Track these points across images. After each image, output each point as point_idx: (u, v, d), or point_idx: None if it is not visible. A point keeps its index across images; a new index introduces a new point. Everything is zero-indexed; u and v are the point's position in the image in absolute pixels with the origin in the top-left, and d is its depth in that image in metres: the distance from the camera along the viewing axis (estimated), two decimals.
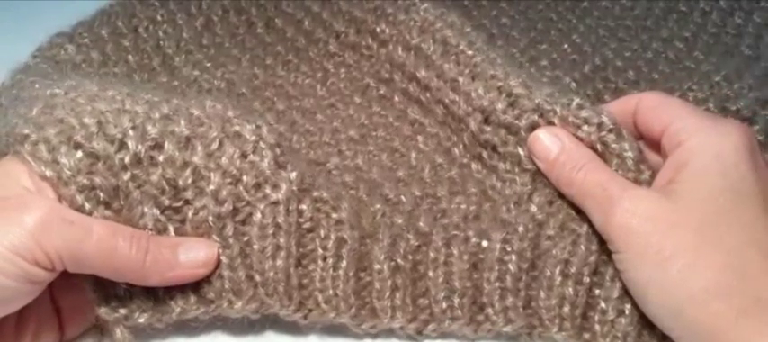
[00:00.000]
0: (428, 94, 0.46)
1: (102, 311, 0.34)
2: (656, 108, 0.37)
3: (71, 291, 0.35)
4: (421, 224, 0.39)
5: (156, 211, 0.34)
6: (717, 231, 0.32)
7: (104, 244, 0.32)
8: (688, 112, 0.36)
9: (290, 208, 0.36)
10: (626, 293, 0.35)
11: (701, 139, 0.34)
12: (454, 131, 0.45)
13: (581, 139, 0.37)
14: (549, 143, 0.38)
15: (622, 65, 0.52)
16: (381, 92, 0.49)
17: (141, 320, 0.34)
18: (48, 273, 0.31)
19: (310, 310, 0.36)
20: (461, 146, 0.44)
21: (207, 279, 0.35)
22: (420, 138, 0.46)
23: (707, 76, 0.49)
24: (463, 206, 0.40)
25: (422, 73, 0.46)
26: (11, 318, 0.34)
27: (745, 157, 0.34)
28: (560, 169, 0.37)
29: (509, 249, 0.37)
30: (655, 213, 0.33)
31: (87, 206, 0.33)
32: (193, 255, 0.34)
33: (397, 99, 0.48)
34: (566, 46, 0.55)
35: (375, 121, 0.47)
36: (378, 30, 0.51)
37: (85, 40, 0.50)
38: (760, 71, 0.49)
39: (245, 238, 0.35)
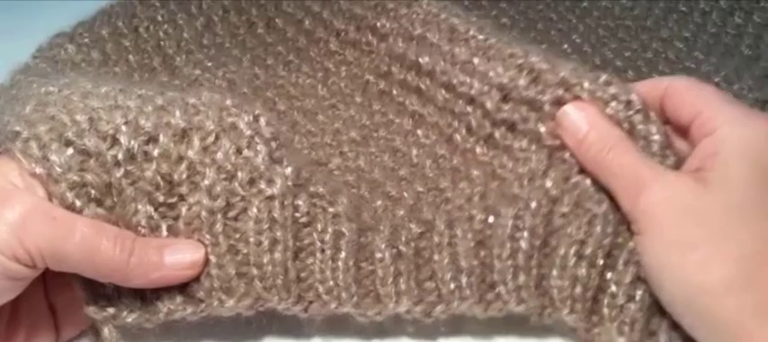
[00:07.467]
0: (428, 80, 0.45)
1: (90, 310, 0.33)
2: (686, 93, 0.36)
3: (66, 289, 0.35)
4: (423, 213, 0.38)
5: (150, 209, 0.34)
6: (741, 223, 0.31)
7: (87, 243, 0.31)
8: (721, 100, 0.35)
9: (286, 202, 0.35)
10: (638, 279, 0.35)
11: (733, 130, 0.33)
12: (456, 116, 0.43)
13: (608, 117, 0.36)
14: (578, 120, 0.36)
15: (622, 65, 0.52)
16: (381, 86, 0.49)
17: (129, 320, 0.33)
18: (28, 269, 0.31)
19: (310, 302, 0.35)
20: (464, 130, 0.42)
21: (196, 278, 0.34)
22: (420, 131, 0.45)
23: (707, 76, 0.49)
24: (467, 190, 0.39)
25: (425, 59, 0.45)
26: (1, 316, 0.33)
27: None
28: (588, 148, 0.36)
29: (521, 226, 0.36)
30: (685, 200, 0.32)
31: (78, 203, 0.32)
32: (179, 257, 0.33)
33: (395, 92, 0.48)
34: (566, 46, 0.55)
35: (376, 122, 0.47)
36: (378, 25, 0.50)
37: (86, 39, 0.50)
38: (760, 71, 0.49)
39: (238, 235, 0.35)
